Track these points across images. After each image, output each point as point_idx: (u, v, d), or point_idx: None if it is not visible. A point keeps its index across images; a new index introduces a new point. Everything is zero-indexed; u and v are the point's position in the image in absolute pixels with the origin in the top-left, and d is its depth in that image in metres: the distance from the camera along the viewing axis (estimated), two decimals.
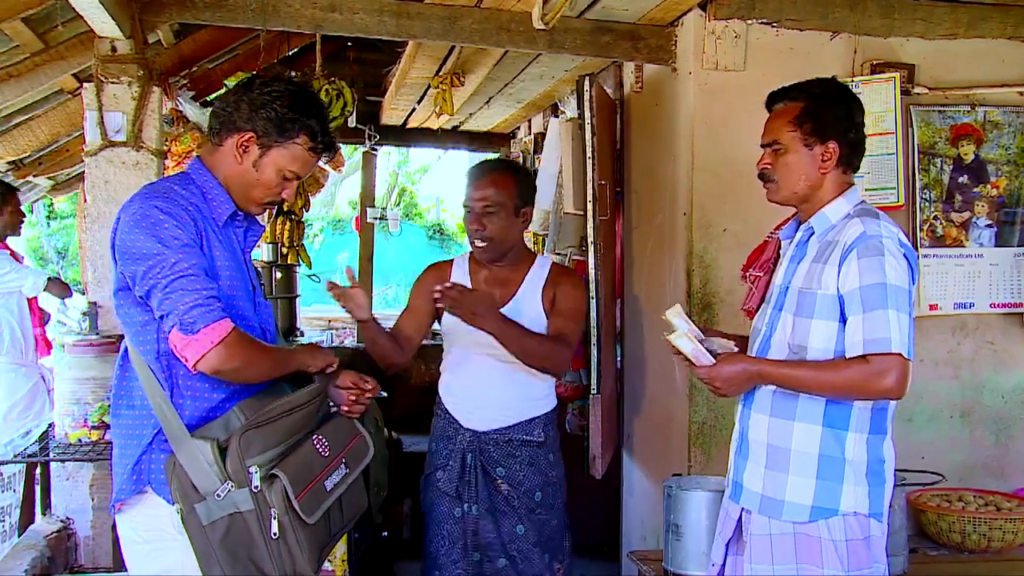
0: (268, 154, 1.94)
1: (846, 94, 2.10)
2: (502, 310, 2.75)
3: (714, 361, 2.03)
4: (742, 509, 2.11)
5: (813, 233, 2.08)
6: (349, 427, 2.06)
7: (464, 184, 2.79)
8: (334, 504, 1.93)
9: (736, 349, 2.09)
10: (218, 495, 1.74)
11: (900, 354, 1.87)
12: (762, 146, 2.13)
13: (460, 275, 2.83)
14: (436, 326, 2.93)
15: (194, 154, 3.89)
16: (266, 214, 4.75)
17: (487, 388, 2.77)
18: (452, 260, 2.93)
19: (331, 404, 2.07)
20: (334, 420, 2.04)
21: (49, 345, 4.54)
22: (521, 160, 5.64)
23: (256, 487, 1.74)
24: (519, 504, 2.75)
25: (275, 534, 1.75)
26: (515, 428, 2.77)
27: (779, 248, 2.29)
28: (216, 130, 1.97)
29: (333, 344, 6.69)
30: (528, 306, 2.78)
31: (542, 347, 2.67)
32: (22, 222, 4.61)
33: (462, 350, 2.81)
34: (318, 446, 1.90)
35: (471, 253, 2.87)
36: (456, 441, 2.79)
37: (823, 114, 2.04)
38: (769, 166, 2.10)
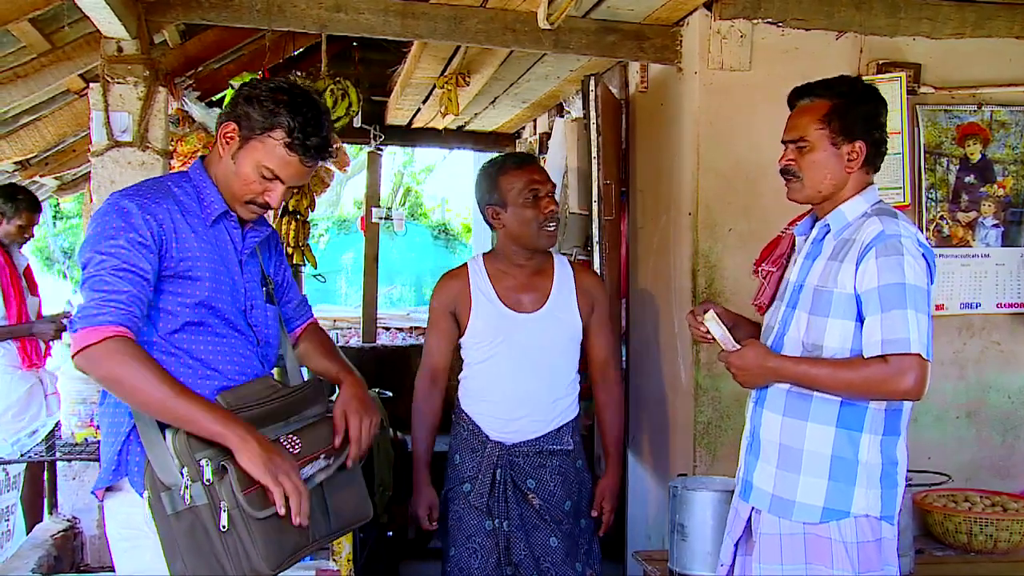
0: (245, 146, 1.91)
1: (873, 94, 2.08)
2: (534, 317, 2.71)
3: (738, 347, 2.05)
4: (752, 508, 2.10)
5: (829, 230, 2.06)
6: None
7: (513, 175, 2.71)
8: (318, 506, 1.88)
9: None
10: (178, 487, 1.73)
11: (919, 355, 1.86)
12: (784, 142, 2.10)
13: (480, 282, 2.76)
14: None
15: (200, 154, 3.94)
16: (271, 214, 4.74)
17: (524, 397, 2.70)
18: (466, 265, 2.85)
19: (327, 412, 2.03)
20: (319, 424, 1.97)
21: (48, 350, 4.48)
22: None
23: (208, 480, 1.73)
24: (551, 517, 2.69)
25: (223, 527, 1.71)
26: (545, 438, 2.71)
27: (793, 244, 2.28)
28: (216, 127, 1.99)
29: (338, 344, 6.69)
30: (564, 312, 2.73)
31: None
32: (26, 240, 4.53)
33: (491, 356, 2.74)
34: (286, 443, 1.85)
35: (484, 256, 2.83)
36: (483, 454, 2.71)
37: (852, 113, 2.02)
38: (793, 162, 2.07)
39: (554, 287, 2.76)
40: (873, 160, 2.06)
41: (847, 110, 2.02)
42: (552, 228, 2.72)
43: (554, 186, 2.77)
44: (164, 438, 1.77)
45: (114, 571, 1.96)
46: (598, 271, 3.45)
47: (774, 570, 2.01)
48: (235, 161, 1.92)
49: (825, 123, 2.03)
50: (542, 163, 5.08)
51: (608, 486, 2.79)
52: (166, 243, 1.85)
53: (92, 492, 1.89)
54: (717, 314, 2.11)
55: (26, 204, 4.38)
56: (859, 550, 1.95)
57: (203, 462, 1.73)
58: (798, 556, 1.99)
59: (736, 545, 2.16)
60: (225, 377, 1.91)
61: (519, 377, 2.71)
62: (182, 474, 1.73)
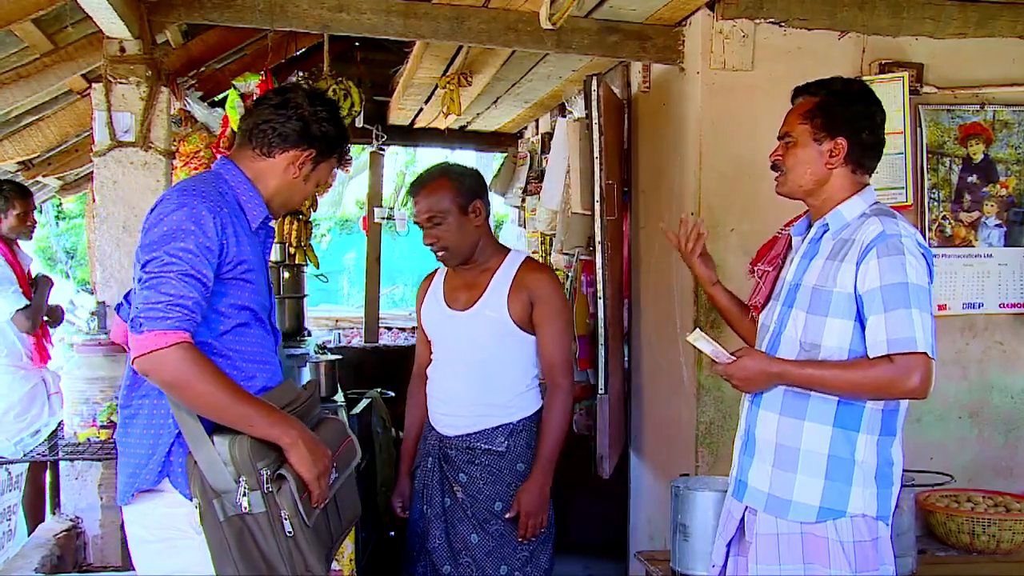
0: (317, 168, 2.06)
1: (866, 95, 2.10)
2: (466, 314, 2.73)
3: (733, 358, 2.05)
4: (745, 508, 2.11)
5: (827, 230, 2.07)
6: (340, 430, 2.09)
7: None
8: (331, 508, 1.97)
9: None
10: (231, 494, 1.77)
11: (925, 353, 1.87)
12: (778, 138, 2.15)
13: (437, 281, 2.86)
14: None
15: (202, 154, 3.94)
16: None
17: (452, 393, 2.76)
18: (437, 269, 2.92)
19: (325, 411, 2.10)
20: (326, 423, 2.07)
21: (48, 353, 4.46)
22: (528, 160, 5.64)
23: (268, 489, 1.77)
24: (474, 513, 2.70)
25: (290, 532, 1.78)
26: (476, 436, 2.72)
27: (789, 244, 2.29)
28: (265, 142, 2.00)
29: (340, 344, 6.69)
30: (493, 309, 2.71)
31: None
32: (33, 227, 4.47)
33: (436, 352, 2.84)
34: None
35: None
36: (428, 442, 2.81)
37: (836, 110, 2.05)
38: (780, 157, 2.12)
39: (490, 284, 2.74)
40: (860, 160, 2.07)
41: (830, 107, 2.05)
42: (441, 255, 2.73)
43: (442, 211, 2.67)
44: (212, 444, 1.79)
45: (117, 571, 1.97)
46: (600, 271, 3.44)
47: (772, 570, 2.02)
48: (306, 181, 2.06)
49: (808, 119, 2.07)
50: (543, 163, 5.10)
51: (525, 489, 2.67)
52: (227, 247, 1.88)
53: (131, 493, 1.89)
54: (702, 339, 2.10)
55: (13, 191, 4.28)
56: (856, 549, 1.95)
57: (263, 471, 1.78)
58: (796, 556, 1.99)
59: (728, 545, 2.16)
60: (263, 378, 1.96)
61: (450, 372, 2.78)
62: (239, 482, 1.77)
